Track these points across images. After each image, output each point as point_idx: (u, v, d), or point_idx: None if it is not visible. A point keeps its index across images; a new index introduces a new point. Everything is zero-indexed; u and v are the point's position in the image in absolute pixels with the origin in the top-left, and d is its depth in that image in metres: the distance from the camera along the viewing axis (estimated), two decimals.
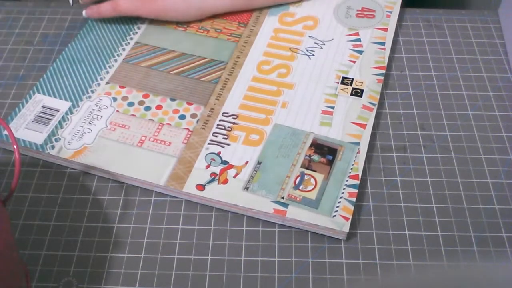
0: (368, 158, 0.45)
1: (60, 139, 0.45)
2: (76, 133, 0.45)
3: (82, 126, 0.46)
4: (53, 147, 0.45)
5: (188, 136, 0.45)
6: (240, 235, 0.41)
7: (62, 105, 0.48)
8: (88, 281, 0.39)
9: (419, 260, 0.39)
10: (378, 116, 0.48)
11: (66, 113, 0.47)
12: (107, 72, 0.50)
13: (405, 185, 0.44)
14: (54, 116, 0.47)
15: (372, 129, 0.47)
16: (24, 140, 0.45)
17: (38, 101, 0.48)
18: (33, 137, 0.45)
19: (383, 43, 0.52)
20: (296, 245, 0.40)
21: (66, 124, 0.46)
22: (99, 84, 0.49)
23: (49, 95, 0.48)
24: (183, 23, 0.54)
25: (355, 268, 0.39)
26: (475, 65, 0.52)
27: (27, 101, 0.48)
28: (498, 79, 0.51)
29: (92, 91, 0.49)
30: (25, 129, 0.46)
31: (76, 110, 0.47)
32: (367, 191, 0.43)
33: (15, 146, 0.35)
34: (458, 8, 0.69)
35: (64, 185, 0.44)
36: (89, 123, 0.46)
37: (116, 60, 0.51)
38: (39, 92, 0.49)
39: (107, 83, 0.49)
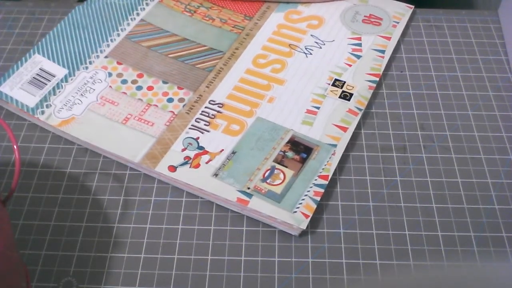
0: (368, 158, 0.45)
1: (51, 105, 0.46)
2: (67, 102, 0.46)
3: (74, 97, 0.47)
4: (43, 112, 0.46)
5: (172, 119, 0.46)
6: (240, 235, 0.41)
7: (59, 71, 0.48)
8: (88, 281, 0.39)
9: (419, 260, 0.39)
10: (378, 116, 0.48)
11: (61, 81, 0.48)
12: (108, 46, 0.51)
13: (405, 185, 0.44)
14: (50, 81, 0.48)
15: (372, 129, 0.47)
16: (17, 101, 0.46)
17: (37, 62, 0.48)
18: (26, 99, 0.46)
19: (383, 51, 0.52)
20: (296, 245, 0.40)
21: (59, 92, 0.47)
22: (98, 57, 0.50)
23: (48, 58, 0.49)
24: (191, 8, 0.55)
25: (355, 268, 0.39)
26: (475, 65, 0.52)
27: (26, 60, 0.49)
28: (498, 79, 0.51)
29: (90, 63, 0.50)
30: (20, 89, 0.47)
31: (71, 79, 0.48)
32: (367, 191, 0.43)
33: (15, 146, 0.35)
34: (458, 8, 0.69)
35: (64, 185, 0.44)
36: (81, 94, 0.47)
37: (118, 35, 0.52)
38: (39, 53, 0.49)
39: (106, 56, 0.50)
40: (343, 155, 0.45)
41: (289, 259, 0.40)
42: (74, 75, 0.49)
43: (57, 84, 0.47)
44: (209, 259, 0.40)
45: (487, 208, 0.42)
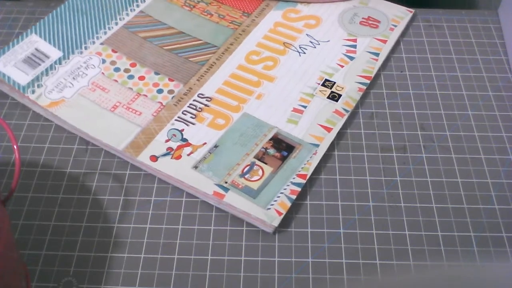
0: (368, 158, 0.45)
1: (42, 85, 0.47)
2: (58, 84, 0.47)
3: (66, 79, 0.48)
4: (33, 91, 0.47)
5: (159, 109, 0.47)
6: (240, 235, 0.41)
7: (54, 53, 0.49)
8: (88, 281, 0.39)
9: (419, 260, 0.39)
10: (378, 116, 0.48)
11: (55, 62, 0.49)
12: (105, 33, 0.52)
13: (405, 185, 0.44)
14: (44, 62, 0.48)
15: (372, 130, 0.47)
16: (9, 78, 0.47)
17: (33, 42, 0.49)
18: (18, 77, 0.47)
19: (377, 54, 0.52)
20: (296, 245, 0.40)
21: (52, 73, 0.48)
22: (93, 43, 0.51)
23: (45, 39, 0.50)
24: (191, 2, 0.55)
25: (355, 268, 0.39)
26: (475, 65, 0.52)
27: (22, 39, 0.49)
28: (498, 79, 0.51)
29: (85, 48, 0.50)
30: (13, 67, 0.48)
31: (65, 62, 0.49)
32: (367, 191, 0.43)
33: (15, 146, 0.35)
34: (458, 8, 0.69)
35: (64, 185, 0.44)
36: (73, 78, 0.48)
37: (116, 23, 0.53)
38: (36, 33, 0.50)
39: (101, 43, 0.51)
40: (343, 155, 0.45)
41: (289, 259, 0.40)
42: (68, 58, 0.49)
43: (51, 65, 0.48)
44: (209, 259, 0.40)
45: (487, 208, 0.42)
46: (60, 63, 0.49)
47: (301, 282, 0.38)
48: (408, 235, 0.41)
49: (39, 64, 0.48)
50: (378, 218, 0.42)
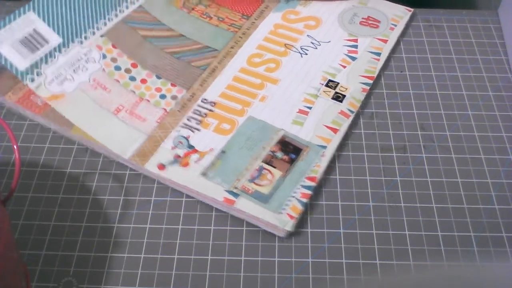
0: (368, 158, 0.45)
1: (41, 74, 0.45)
2: (58, 75, 0.45)
3: (66, 71, 0.46)
4: (32, 79, 0.45)
5: (163, 116, 0.46)
6: (240, 235, 0.41)
7: (53, 38, 0.47)
8: (88, 281, 0.39)
9: (419, 260, 0.39)
10: (378, 116, 0.48)
11: (55, 49, 0.47)
12: (105, 24, 0.50)
13: (405, 185, 0.44)
14: (43, 46, 0.46)
15: (372, 130, 0.47)
16: (6, 60, 0.44)
17: (31, 21, 0.46)
18: (16, 60, 0.45)
19: (378, 54, 0.52)
20: (296, 245, 0.40)
21: (51, 61, 0.46)
22: (94, 33, 0.49)
23: (43, 20, 0.47)
24: (189, 4, 0.55)
25: (355, 268, 0.39)
26: (475, 65, 0.52)
27: (19, 15, 0.46)
28: (498, 79, 0.51)
29: (85, 38, 0.49)
30: (11, 46, 0.45)
31: (65, 51, 0.47)
32: (367, 191, 0.43)
33: (15, 146, 0.35)
34: (458, 8, 0.69)
35: (64, 185, 0.44)
36: (74, 71, 0.46)
37: (116, 15, 0.52)
38: (34, 11, 0.47)
39: (101, 35, 0.50)
40: (343, 155, 0.45)
41: (289, 259, 0.40)
42: (68, 47, 0.48)
43: (50, 52, 0.46)
44: (209, 259, 0.40)
45: (487, 208, 0.42)
46: (59, 51, 0.47)
47: (301, 282, 0.38)
48: (408, 235, 0.41)
49: (38, 49, 0.45)
50: (378, 218, 0.42)
